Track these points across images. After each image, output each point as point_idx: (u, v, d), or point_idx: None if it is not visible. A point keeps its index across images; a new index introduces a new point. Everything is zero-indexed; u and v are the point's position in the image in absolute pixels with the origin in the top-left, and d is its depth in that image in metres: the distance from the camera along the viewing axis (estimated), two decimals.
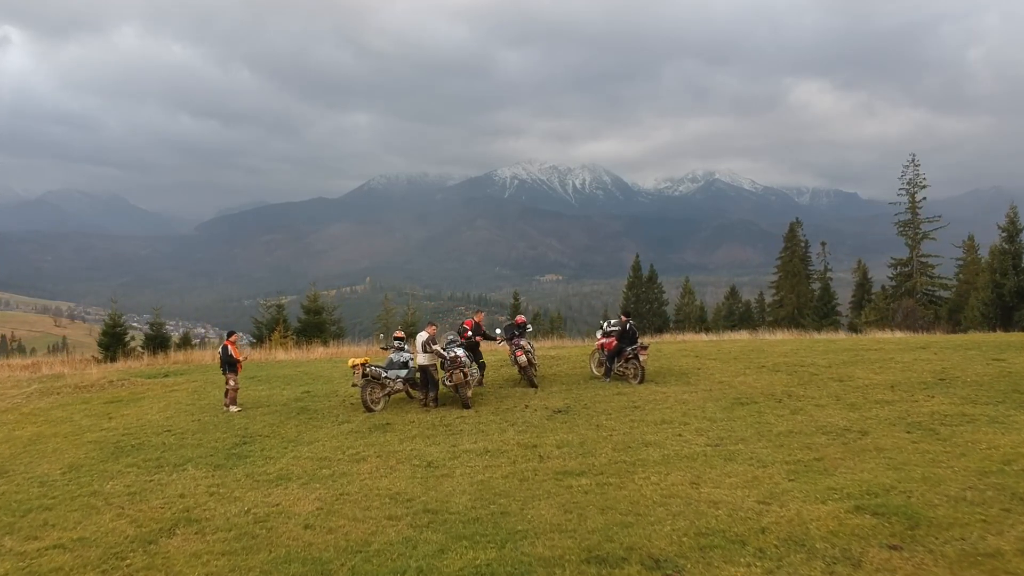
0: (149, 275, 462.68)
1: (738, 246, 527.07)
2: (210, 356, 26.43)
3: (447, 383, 14.55)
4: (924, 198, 53.26)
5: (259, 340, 31.85)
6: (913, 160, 53.81)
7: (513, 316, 75.38)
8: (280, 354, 26.86)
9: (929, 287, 53.36)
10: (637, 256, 72.18)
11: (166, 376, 21.71)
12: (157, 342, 29.27)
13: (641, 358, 16.15)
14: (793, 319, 56.65)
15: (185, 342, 33.25)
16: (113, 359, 27.13)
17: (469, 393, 14.58)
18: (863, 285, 58.07)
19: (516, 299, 69.21)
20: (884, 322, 48.33)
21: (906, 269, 53.57)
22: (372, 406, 14.56)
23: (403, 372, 15.40)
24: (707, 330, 61.15)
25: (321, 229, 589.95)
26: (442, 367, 14.75)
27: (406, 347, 15.97)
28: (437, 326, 15.83)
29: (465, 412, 14.07)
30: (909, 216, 53.29)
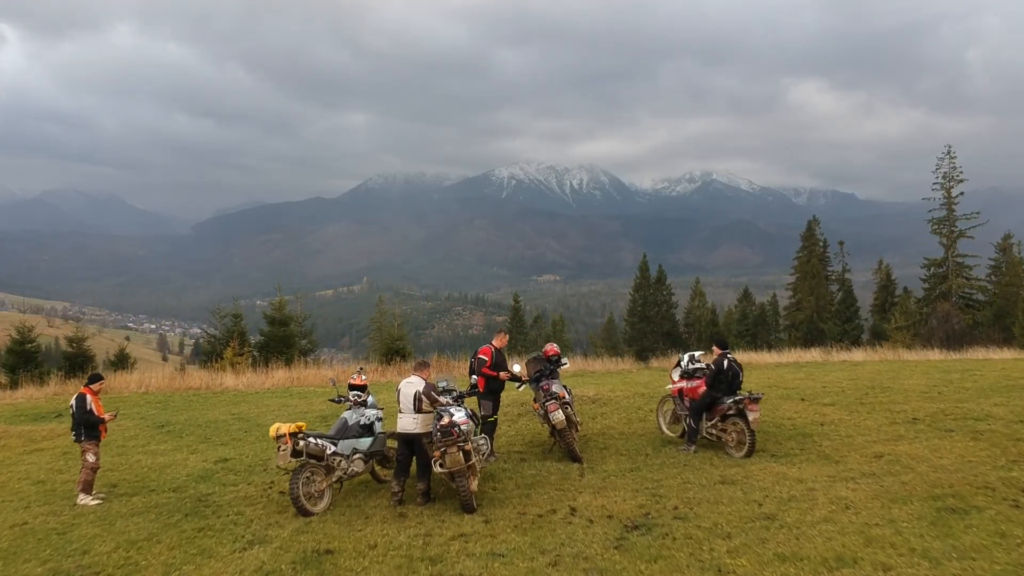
0: (146, 275, 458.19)
1: (736, 246, 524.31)
2: (136, 382, 20.55)
3: (438, 467, 8.56)
4: (962, 193, 48.56)
5: (210, 358, 25.84)
6: (949, 152, 49.00)
7: (514, 319, 69.34)
8: (228, 379, 21.25)
9: (967, 289, 48.87)
10: (645, 256, 67.33)
11: (58, 416, 15.93)
12: (76, 362, 22.96)
13: (751, 416, 10.21)
14: (812, 323, 52.86)
15: (120, 362, 26.67)
16: (16, 384, 21.11)
17: (474, 485, 8.60)
18: (887, 287, 53.48)
19: (516, 301, 64.89)
20: (916, 327, 44.39)
21: (940, 270, 48.81)
22: (310, 506, 8.58)
23: (364, 443, 9.53)
24: (714, 330, 55.75)
25: (318, 229, 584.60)
26: (431, 440, 8.90)
27: (372, 399, 10.08)
28: (431, 369, 9.97)
29: (467, 523, 8.14)
30: (944, 213, 48.52)
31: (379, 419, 9.88)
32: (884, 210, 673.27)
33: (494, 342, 11.15)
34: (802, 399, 14.08)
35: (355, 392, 9.88)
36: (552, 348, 11.63)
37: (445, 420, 8.49)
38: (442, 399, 8.91)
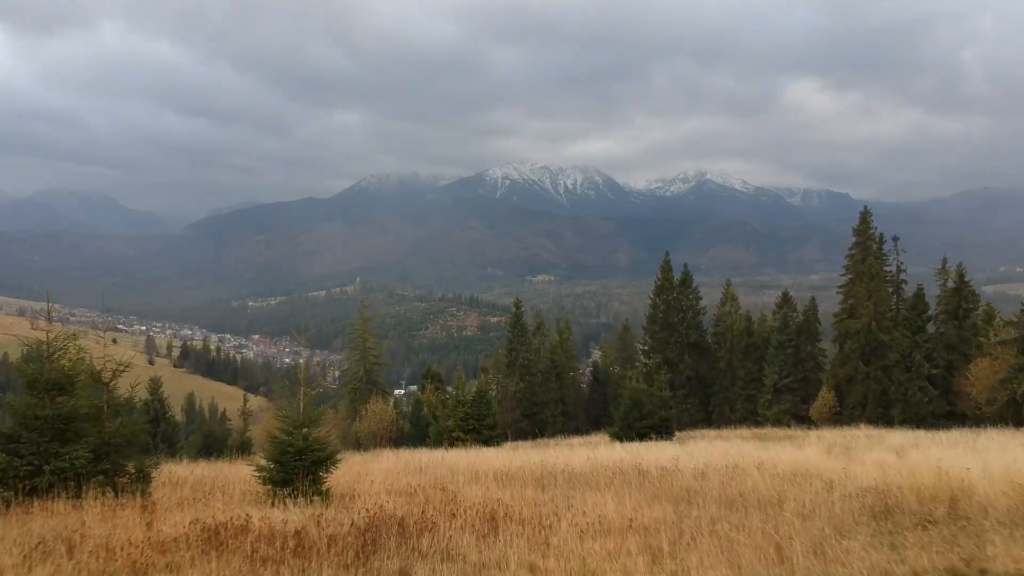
0: (138, 275, 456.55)
1: (731, 247, 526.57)
2: None
3: None
4: None
5: None
6: None
7: (515, 327, 49.85)
8: None
9: None
10: (667, 255, 59.35)
11: None
12: None
13: None
14: (870, 333, 46.36)
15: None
16: None
17: None
18: (960, 291, 46.31)
19: (518, 306, 56.91)
20: None
21: None
22: None
23: None
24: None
25: (312, 229, 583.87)
26: None
27: None
28: None
29: None
30: None
31: None
32: (878, 210, 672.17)
33: None
34: None
35: None
36: None
37: None
38: None
